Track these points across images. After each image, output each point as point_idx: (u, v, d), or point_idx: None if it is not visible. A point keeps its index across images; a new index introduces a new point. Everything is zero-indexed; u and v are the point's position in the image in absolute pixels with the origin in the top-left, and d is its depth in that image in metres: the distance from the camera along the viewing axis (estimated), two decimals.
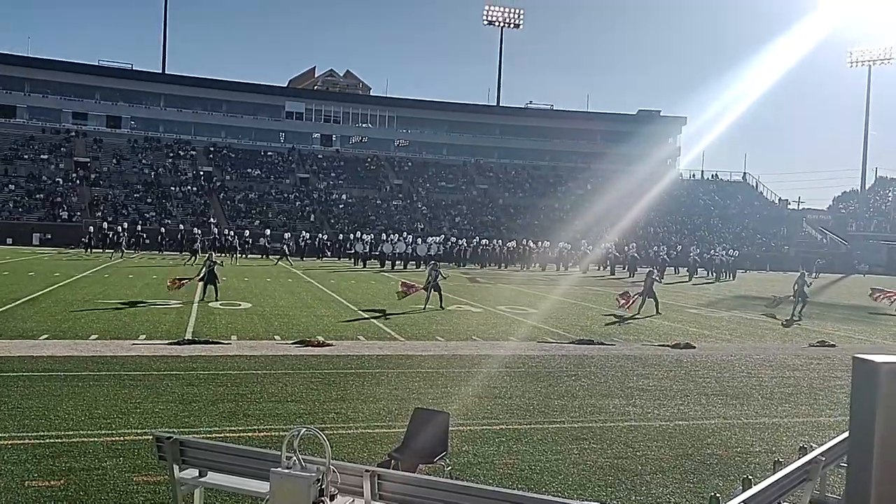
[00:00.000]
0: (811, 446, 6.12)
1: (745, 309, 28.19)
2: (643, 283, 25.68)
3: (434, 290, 23.49)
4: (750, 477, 5.91)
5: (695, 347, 17.38)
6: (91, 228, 51.35)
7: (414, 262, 47.75)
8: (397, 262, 47.53)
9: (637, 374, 13.85)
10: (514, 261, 53.33)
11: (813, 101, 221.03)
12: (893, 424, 1.45)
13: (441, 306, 23.13)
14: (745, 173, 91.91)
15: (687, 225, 76.29)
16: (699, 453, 8.91)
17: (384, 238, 50.71)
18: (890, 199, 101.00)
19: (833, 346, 18.82)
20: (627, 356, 15.85)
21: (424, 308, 22.81)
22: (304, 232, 56.29)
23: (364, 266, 46.31)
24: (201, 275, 23.69)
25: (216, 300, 22.36)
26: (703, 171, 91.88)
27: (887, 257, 76.13)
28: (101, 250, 47.63)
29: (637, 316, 23.61)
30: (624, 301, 24.42)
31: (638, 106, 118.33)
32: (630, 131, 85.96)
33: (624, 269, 49.88)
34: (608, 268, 50.97)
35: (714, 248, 56.81)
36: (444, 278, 24.53)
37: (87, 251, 47.70)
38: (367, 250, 49.07)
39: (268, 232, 54.99)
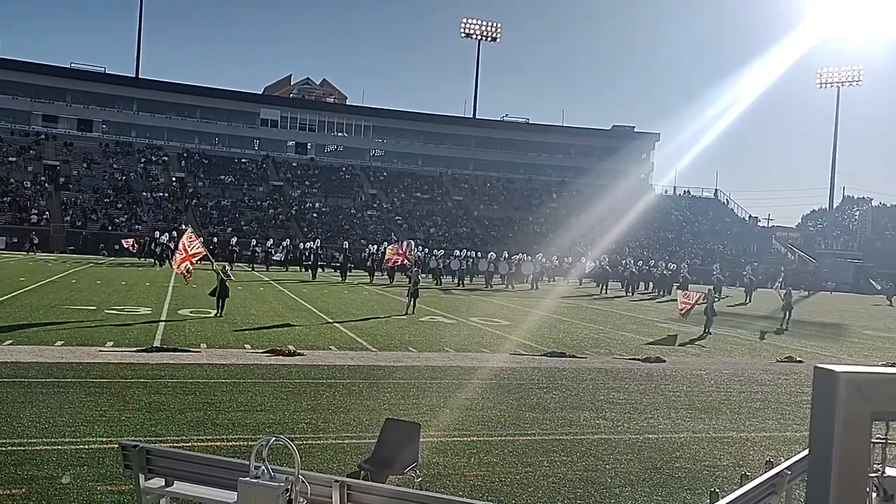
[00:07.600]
0: (778, 460, 6.19)
1: (714, 324, 28.38)
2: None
3: (413, 297, 24.65)
4: (717, 490, 5.97)
5: (665, 361, 17.52)
6: (156, 239, 46.57)
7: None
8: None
9: (608, 387, 13.92)
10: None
11: (783, 120, 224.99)
12: (852, 433, 1.48)
13: (413, 312, 24.08)
14: (716, 190, 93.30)
15: (660, 240, 77.06)
16: (668, 466, 8.97)
17: (458, 254, 47.92)
18: (857, 217, 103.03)
19: (800, 361, 19.05)
20: (599, 369, 15.93)
21: (406, 313, 24.00)
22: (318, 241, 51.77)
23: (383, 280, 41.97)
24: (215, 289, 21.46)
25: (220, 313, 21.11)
26: (675, 186, 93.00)
27: (854, 275, 77.49)
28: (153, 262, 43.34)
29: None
30: (685, 305, 24.48)
31: (612, 122, 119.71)
32: (604, 146, 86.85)
33: (593, 283, 49.50)
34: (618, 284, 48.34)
35: (745, 268, 53.05)
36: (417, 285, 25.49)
37: (156, 264, 42.23)
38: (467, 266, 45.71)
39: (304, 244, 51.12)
